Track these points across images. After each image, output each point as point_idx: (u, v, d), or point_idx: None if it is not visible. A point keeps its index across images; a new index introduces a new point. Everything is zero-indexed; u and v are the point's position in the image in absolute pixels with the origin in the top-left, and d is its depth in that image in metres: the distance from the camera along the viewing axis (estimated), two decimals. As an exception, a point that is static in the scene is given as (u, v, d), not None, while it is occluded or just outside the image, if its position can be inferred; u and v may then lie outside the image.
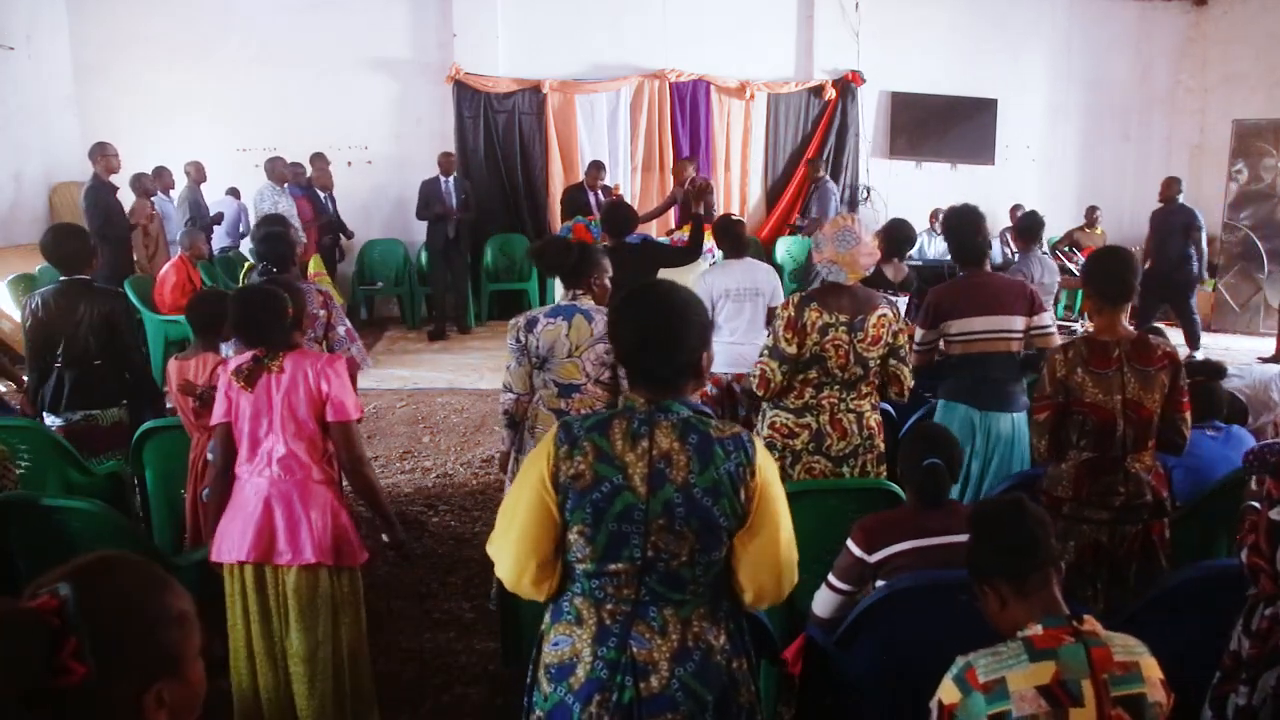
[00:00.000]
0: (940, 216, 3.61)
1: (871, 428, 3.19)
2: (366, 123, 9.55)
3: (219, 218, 8.38)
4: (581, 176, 9.22)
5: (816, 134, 10.15)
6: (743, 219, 6.16)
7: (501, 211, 9.64)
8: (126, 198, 7.39)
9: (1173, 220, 8.06)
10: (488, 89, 9.42)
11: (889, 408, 3.73)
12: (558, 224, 8.70)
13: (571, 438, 1.68)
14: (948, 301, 3.57)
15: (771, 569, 1.73)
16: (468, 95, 9.42)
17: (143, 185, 7.63)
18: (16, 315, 6.87)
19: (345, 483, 3.02)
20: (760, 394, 3.16)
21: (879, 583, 2.37)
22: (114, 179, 6.98)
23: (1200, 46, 10.93)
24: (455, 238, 8.65)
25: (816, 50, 10.04)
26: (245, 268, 4.71)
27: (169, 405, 4.41)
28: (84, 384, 3.83)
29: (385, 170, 9.60)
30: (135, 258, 7.43)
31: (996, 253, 8.95)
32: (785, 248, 9.49)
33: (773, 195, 10.25)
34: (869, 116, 10.39)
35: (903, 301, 4.73)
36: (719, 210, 9.27)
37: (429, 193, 8.57)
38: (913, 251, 7.14)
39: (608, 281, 3.35)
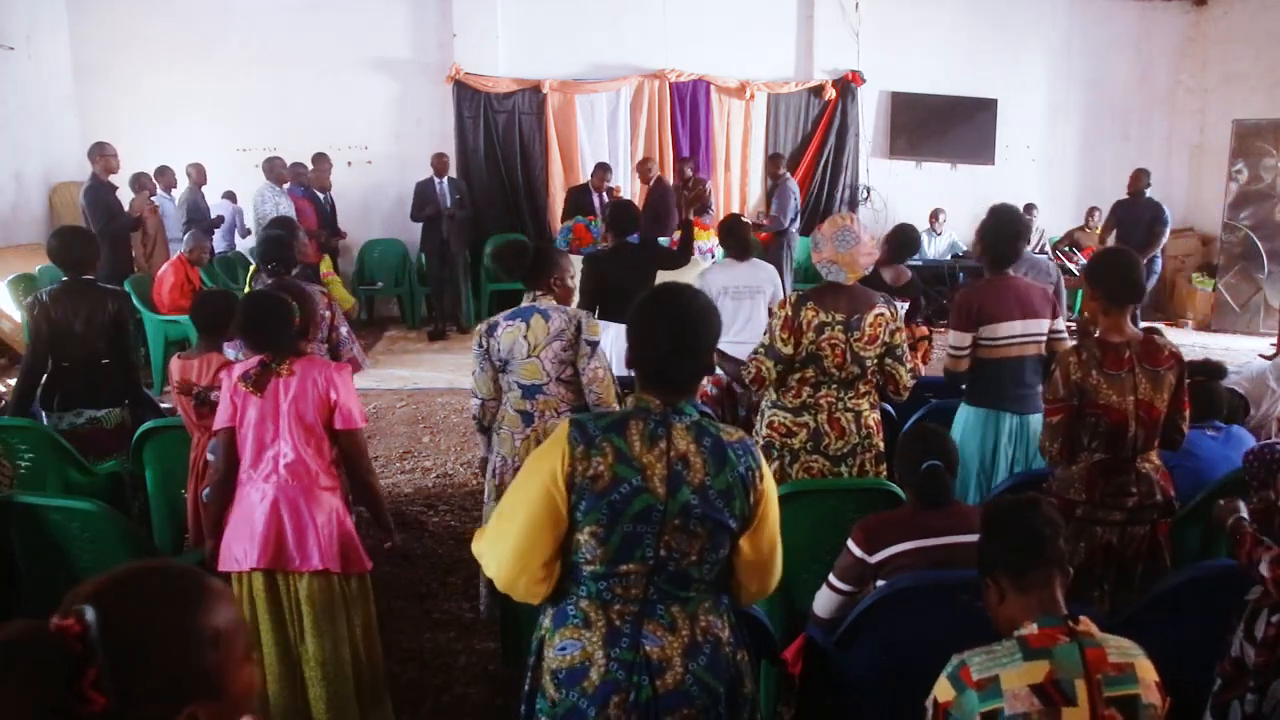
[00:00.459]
0: (982, 217, 3.53)
1: (869, 427, 3.19)
2: (366, 123, 9.55)
3: (219, 220, 8.38)
4: (582, 177, 9.25)
5: (816, 134, 10.14)
6: (748, 220, 6.14)
7: (501, 211, 9.64)
8: (126, 198, 7.39)
9: (1139, 213, 7.96)
10: (488, 89, 9.42)
11: (889, 408, 3.72)
12: (558, 224, 8.71)
13: (588, 437, 1.67)
14: (990, 305, 3.48)
15: (771, 565, 1.80)
16: (468, 95, 9.42)
17: (144, 185, 7.64)
18: (17, 315, 6.87)
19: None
20: (753, 386, 3.17)
21: (879, 583, 2.38)
22: (113, 179, 6.98)
23: (1200, 46, 10.92)
24: (447, 238, 8.59)
25: (816, 50, 10.04)
26: (251, 270, 4.71)
27: (166, 405, 4.41)
28: (91, 384, 3.80)
29: (385, 170, 9.60)
30: (134, 254, 7.42)
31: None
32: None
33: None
34: (869, 116, 10.39)
35: (902, 306, 4.70)
36: (719, 210, 9.30)
37: (423, 193, 8.57)
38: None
39: (570, 281, 3.33)
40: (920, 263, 8.14)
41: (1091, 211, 9.88)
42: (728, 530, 1.71)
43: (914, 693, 1.73)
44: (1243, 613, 2.12)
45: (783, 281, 5.77)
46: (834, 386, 3.12)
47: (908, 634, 2.20)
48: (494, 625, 3.43)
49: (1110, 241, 8.12)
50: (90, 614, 0.96)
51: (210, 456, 2.93)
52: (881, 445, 3.23)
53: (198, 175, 8.53)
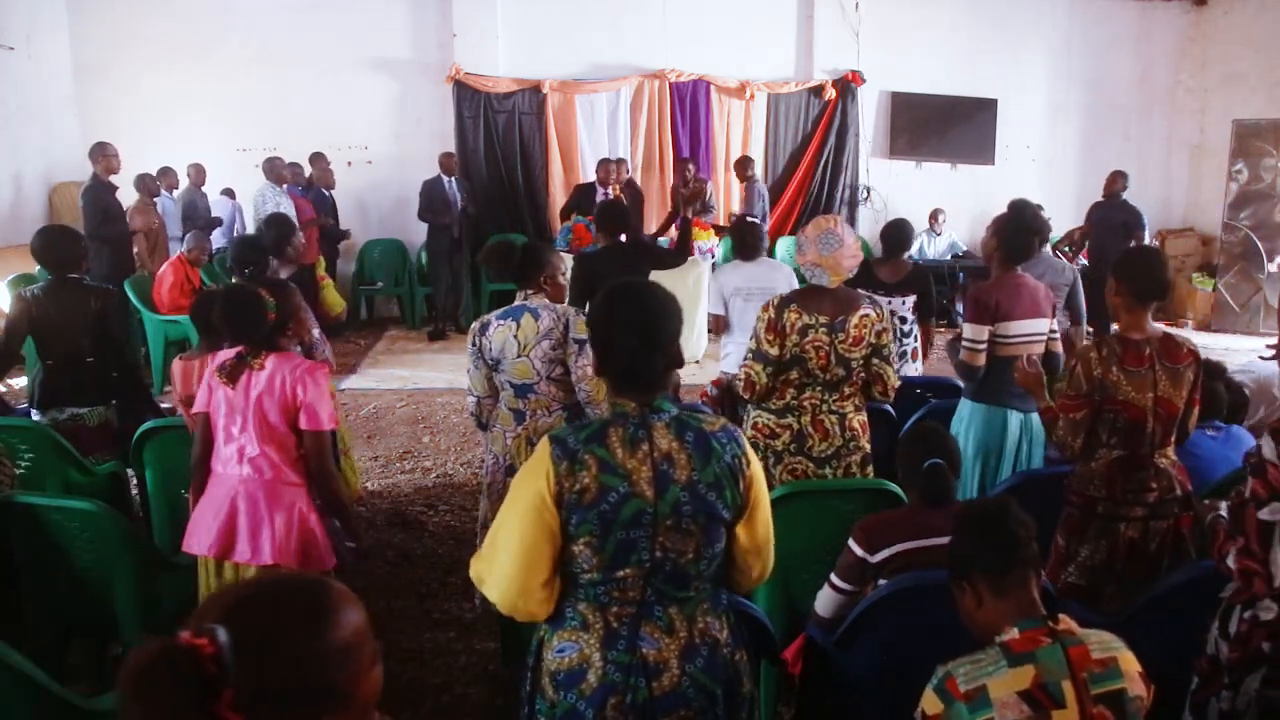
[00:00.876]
0: (998, 214, 3.50)
1: (854, 429, 3.17)
2: (366, 122, 9.55)
3: (218, 221, 8.38)
4: (582, 177, 9.25)
5: (816, 134, 10.13)
6: (757, 221, 6.11)
7: (502, 211, 9.63)
8: (127, 197, 7.39)
9: (1112, 217, 7.80)
10: (488, 89, 9.42)
11: (889, 408, 3.72)
12: (558, 224, 8.70)
13: (570, 452, 1.66)
14: (1007, 301, 3.50)
15: (767, 547, 1.81)
16: (468, 95, 9.41)
17: (146, 186, 7.62)
18: (16, 315, 6.86)
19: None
20: (746, 397, 3.17)
21: (880, 582, 2.37)
22: (114, 179, 6.97)
23: (1200, 46, 10.92)
24: (460, 237, 8.65)
25: (816, 50, 10.03)
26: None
27: (166, 405, 4.40)
28: (76, 381, 3.83)
29: (385, 170, 9.59)
30: (135, 250, 7.41)
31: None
32: (785, 248, 9.48)
33: (773, 195, 10.22)
34: (869, 116, 10.38)
35: (908, 301, 4.68)
36: (720, 210, 9.30)
37: (433, 194, 8.57)
38: (912, 252, 7.11)
39: (561, 279, 3.34)
40: (920, 262, 8.12)
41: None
42: (721, 521, 1.71)
43: (914, 693, 1.73)
44: (1218, 610, 2.12)
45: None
46: (818, 389, 3.11)
47: (908, 634, 2.20)
48: (494, 625, 3.43)
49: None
50: (223, 635, 0.96)
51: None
52: (868, 447, 3.22)
53: (197, 175, 8.54)
